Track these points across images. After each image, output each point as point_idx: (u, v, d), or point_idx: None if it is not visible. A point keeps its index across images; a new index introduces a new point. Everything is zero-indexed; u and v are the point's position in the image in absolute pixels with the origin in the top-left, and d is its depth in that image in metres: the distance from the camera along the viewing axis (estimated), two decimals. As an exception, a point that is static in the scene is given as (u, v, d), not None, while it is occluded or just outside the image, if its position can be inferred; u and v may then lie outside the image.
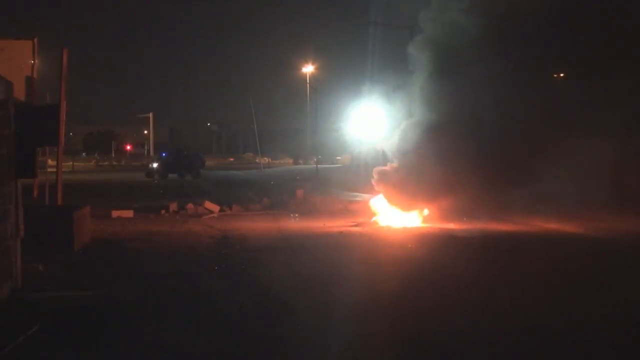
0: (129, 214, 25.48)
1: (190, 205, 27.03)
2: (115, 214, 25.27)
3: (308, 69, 69.28)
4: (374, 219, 23.68)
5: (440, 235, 20.56)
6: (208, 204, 27.04)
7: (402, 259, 16.55)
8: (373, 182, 24.50)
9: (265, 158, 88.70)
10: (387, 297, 12.26)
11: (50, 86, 19.77)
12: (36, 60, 18.65)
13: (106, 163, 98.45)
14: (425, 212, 23.68)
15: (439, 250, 17.83)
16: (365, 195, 29.18)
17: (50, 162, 32.98)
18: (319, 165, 60.42)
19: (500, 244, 18.63)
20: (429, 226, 22.57)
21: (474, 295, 12.35)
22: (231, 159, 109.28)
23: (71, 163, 74.10)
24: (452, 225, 22.44)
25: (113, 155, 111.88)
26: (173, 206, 27.00)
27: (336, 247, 18.43)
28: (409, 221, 23.20)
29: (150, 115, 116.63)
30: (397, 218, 23.33)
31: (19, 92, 13.98)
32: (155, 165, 60.26)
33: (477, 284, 13.37)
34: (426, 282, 13.54)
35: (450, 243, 18.97)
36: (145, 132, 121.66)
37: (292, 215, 25.88)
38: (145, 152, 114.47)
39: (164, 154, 63.01)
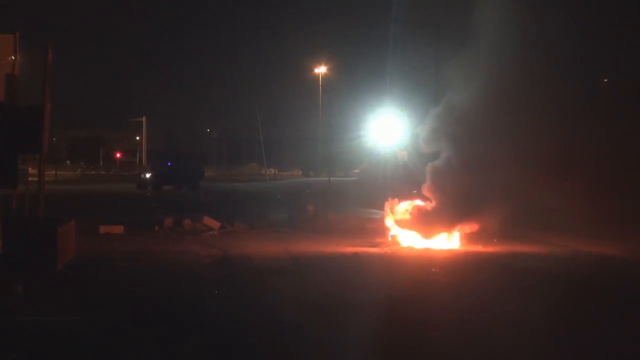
0: (118, 229, 25.53)
1: (187, 221, 27.06)
2: (103, 229, 25.32)
3: (320, 70, 69.40)
4: (393, 238, 23.65)
5: (468, 258, 20.53)
6: (207, 220, 27.07)
7: (425, 285, 16.51)
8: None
9: (272, 169, 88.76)
10: (406, 328, 12.22)
11: (33, 86, 19.83)
12: (17, 57, 18.80)
13: (93, 172, 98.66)
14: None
15: (466, 276, 17.79)
16: (384, 212, 29.13)
17: (31, 170, 33.12)
18: (331, 178, 60.45)
19: (540, 270, 18.45)
20: (456, 248, 22.57)
21: (505, 334, 12.24)
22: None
23: (54, 172, 74.33)
24: (480, 247, 22.44)
25: (101, 163, 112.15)
26: (168, 222, 27.04)
27: (350, 269, 18.42)
28: (433, 242, 23.17)
29: (144, 119, 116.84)
30: (419, 238, 23.30)
31: (-2, 92, 14.05)
32: (148, 175, 60.24)
33: (510, 318, 13.19)
34: (450, 312, 13.50)
35: (480, 267, 18.95)
36: (138, 138, 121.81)
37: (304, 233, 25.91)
38: (137, 160, 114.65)
39: (169, 163, 62.53)
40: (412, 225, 23.61)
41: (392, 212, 24.36)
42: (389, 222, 24.34)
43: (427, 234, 23.31)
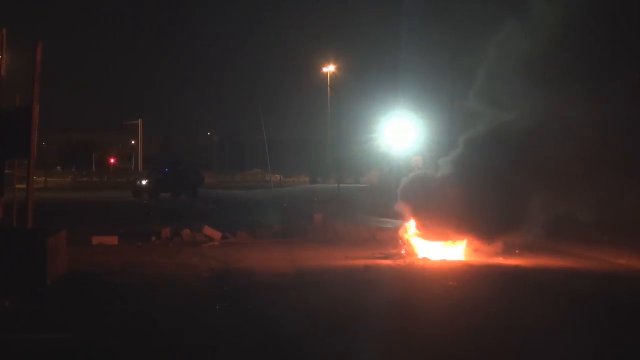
0: (113, 240, 25.56)
1: (186, 231, 27.07)
2: (96, 240, 25.35)
3: (329, 69, 69.43)
4: (407, 249, 23.60)
5: (489, 271, 20.48)
6: (208, 230, 27.08)
7: (442, 300, 16.45)
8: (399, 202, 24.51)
9: (277, 175, 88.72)
10: (422, 351, 12.16)
11: (22, 87, 19.85)
12: (5, 56, 18.83)
13: (85, 179, 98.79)
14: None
15: (486, 290, 17.72)
16: (398, 222, 29.07)
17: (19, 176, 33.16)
18: (341, 185, 60.40)
19: (580, 291, 18.09)
20: (475, 260, 22.50)
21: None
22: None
23: (44, 179, 74.49)
24: (501, 260, 22.38)
25: (94, 169, 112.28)
26: (166, 232, 27.06)
27: (361, 284, 18.36)
28: (450, 254, 23.11)
29: (140, 122, 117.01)
30: (436, 250, 23.25)
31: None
32: (144, 182, 60.25)
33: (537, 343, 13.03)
34: (467, 331, 13.43)
35: (501, 281, 18.90)
36: (133, 142, 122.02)
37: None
38: (133, 166, 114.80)
39: (167, 169, 62.45)
40: (427, 236, 23.55)
41: (407, 221, 24.31)
42: (403, 232, 24.26)
43: (443, 245, 23.28)
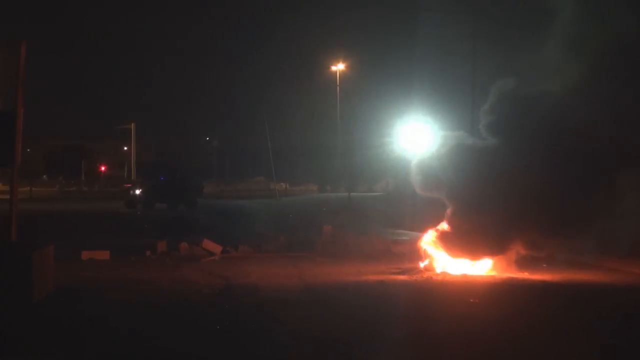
0: (104, 255, 25.59)
1: (183, 245, 27.10)
2: (86, 255, 25.39)
3: (338, 67, 69.45)
4: (425, 264, 23.58)
5: (514, 286, 20.47)
6: (207, 244, 27.10)
7: (463, 319, 16.41)
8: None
9: (282, 183, 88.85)
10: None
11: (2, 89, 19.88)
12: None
13: (74, 188, 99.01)
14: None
15: (512, 308, 17.70)
16: (414, 234, 29.10)
17: (1, 186, 33.28)
18: (352, 193, 60.44)
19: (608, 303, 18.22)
20: (497, 275, 22.47)
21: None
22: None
23: (29, 188, 74.64)
24: (527, 274, 22.35)
25: (83, 178, 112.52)
26: (161, 246, 27.09)
27: (375, 301, 18.39)
28: (471, 268, 23.07)
29: (132, 126, 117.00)
30: (455, 263, 23.22)
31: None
32: (138, 191, 60.21)
33: None
34: (491, 354, 13.41)
35: (528, 298, 18.86)
36: (126, 148, 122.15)
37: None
38: (125, 174, 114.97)
39: (163, 177, 62.34)
40: (446, 249, 23.51)
41: (426, 233, 24.29)
42: (421, 244, 24.22)
43: (464, 259, 23.24)
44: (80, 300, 17.98)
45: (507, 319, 16.44)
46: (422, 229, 25.02)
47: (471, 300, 18.50)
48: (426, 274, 22.64)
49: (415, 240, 25.40)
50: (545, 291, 19.91)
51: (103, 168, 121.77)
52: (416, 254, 24.51)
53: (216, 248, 26.85)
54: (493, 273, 22.79)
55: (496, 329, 15.36)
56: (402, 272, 22.90)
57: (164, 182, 60.70)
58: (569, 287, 20.43)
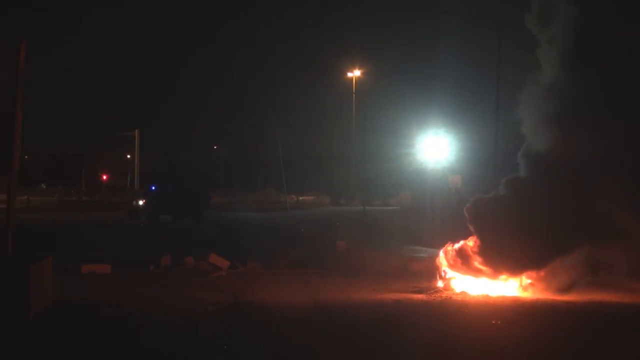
0: (105, 269, 25.63)
1: (189, 259, 27.14)
2: (86, 269, 25.42)
3: (354, 74, 69.47)
4: (444, 282, 23.55)
5: (538, 308, 20.40)
6: (214, 258, 27.11)
7: (483, 343, 16.37)
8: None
9: (293, 195, 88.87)
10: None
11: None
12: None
13: (74, 198, 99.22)
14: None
15: (536, 331, 17.62)
16: (432, 250, 29.03)
17: (-2, 195, 33.35)
18: (367, 207, 60.39)
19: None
20: (521, 295, 22.43)
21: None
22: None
23: (26, 197, 74.81)
24: (550, 295, 22.27)
25: (83, 187, 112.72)
26: (165, 260, 27.12)
27: (390, 321, 18.31)
28: (493, 287, 23.03)
29: (136, 133, 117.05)
30: (475, 283, 23.18)
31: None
32: (141, 202, 60.09)
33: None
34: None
35: (554, 320, 18.79)
36: (129, 156, 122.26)
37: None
38: (128, 183, 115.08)
39: (168, 187, 61.77)
40: (467, 268, 23.46)
41: (445, 250, 24.24)
42: (440, 262, 24.16)
43: (486, 278, 23.21)
44: (78, 316, 17.98)
45: (531, 342, 16.36)
46: (441, 245, 24.97)
47: (492, 321, 18.44)
48: (445, 294, 22.61)
49: (434, 257, 25.33)
50: (570, 312, 19.80)
51: (104, 177, 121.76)
52: (434, 272, 24.49)
53: (223, 263, 26.85)
54: (515, 294, 22.73)
55: (516, 352, 15.32)
56: (420, 291, 22.85)
57: (169, 192, 60.24)
58: (595, 309, 20.31)
